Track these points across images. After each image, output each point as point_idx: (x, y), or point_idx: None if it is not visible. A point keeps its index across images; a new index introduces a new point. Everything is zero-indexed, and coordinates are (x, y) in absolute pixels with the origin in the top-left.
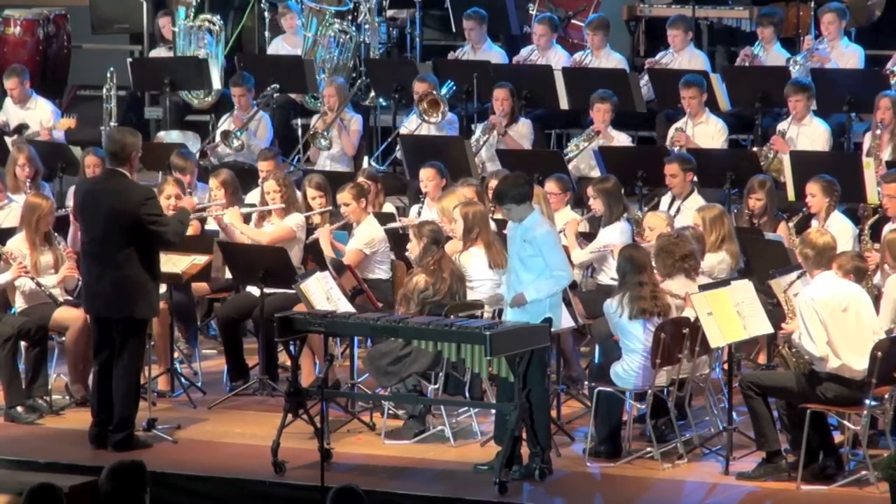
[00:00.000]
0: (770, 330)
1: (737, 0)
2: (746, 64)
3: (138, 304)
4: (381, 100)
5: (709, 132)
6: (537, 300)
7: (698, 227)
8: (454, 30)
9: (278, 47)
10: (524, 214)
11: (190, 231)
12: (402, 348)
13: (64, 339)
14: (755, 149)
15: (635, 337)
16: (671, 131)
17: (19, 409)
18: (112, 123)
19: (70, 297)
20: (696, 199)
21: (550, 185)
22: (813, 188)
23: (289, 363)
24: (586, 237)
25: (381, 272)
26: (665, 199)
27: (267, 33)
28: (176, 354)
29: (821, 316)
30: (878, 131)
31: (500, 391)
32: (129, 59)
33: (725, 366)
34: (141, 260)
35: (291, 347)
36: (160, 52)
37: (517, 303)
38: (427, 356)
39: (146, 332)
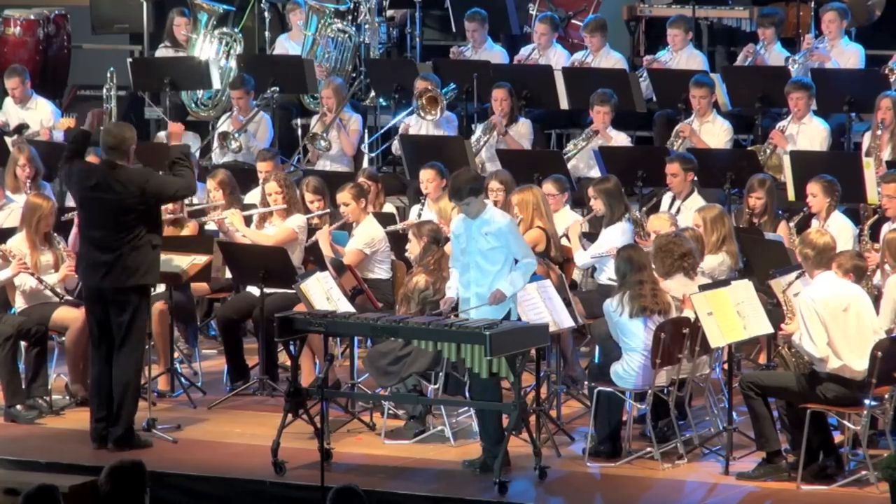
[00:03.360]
0: (770, 330)
1: (737, 0)
2: (749, 60)
3: (143, 272)
4: (381, 100)
5: (714, 131)
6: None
7: (698, 228)
8: (454, 30)
9: (284, 44)
10: (481, 208)
11: (189, 231)
12: (402, 348)
13: (64, 339)
14: (752, 147)
15: (635, 335)
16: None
17: (19, 406)
18: None
19: (70, 297)
20: (696, 200)
21: (548, 186)
22: (814, 188)
23: (289, 363)
24: (588, 237)
25: (381, 272)
26: (665, 199)
27: (267, 33)
28: (176, 354)
29: (821, 316)
30: (879, 131)
31: (478, 389)
32: (129, 59)
33: (725, 366)
34: (146, 239)
35: (291, 347)
36: (164, 52)
37: (497, 300)
38: (427, 356)
39: (145, 326)
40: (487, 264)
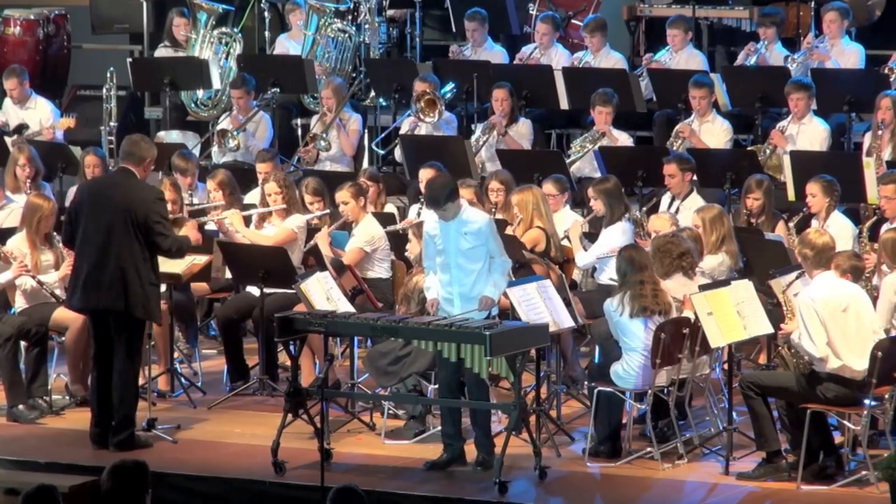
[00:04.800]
0: (770, 330)
1: (737, 0)
2: (752, 59)
3: (136, 302)
4: (381, 100)
5: (714, 131)
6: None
7: (697, 228)
8: (454, 30)
9: (285, 44)
10: (458, 209)
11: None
12: (402, 348)
13: (64, 339)
14: (752, 148)
15: (636, 335)
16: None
17: (20, 406)
18: (112, 123)
19: None
20: (696, 199)
21: (548, 186)
22: (813, 188)
23: (289, 363)
24: (588, 237)
25: (381, 271)
26: (665, 199)
27: (267, 33)
28: (176, 354)
29: (821, 316)
30: (879, 131)
31: (475, 390)
32: (129, 59)
33: (725, 366)
34: (143, 259)
35: (291, 347)
36: (164, 52)
37: (486, 306)
38: (427, 356)
39: (144, 330)
40: (468, 263)
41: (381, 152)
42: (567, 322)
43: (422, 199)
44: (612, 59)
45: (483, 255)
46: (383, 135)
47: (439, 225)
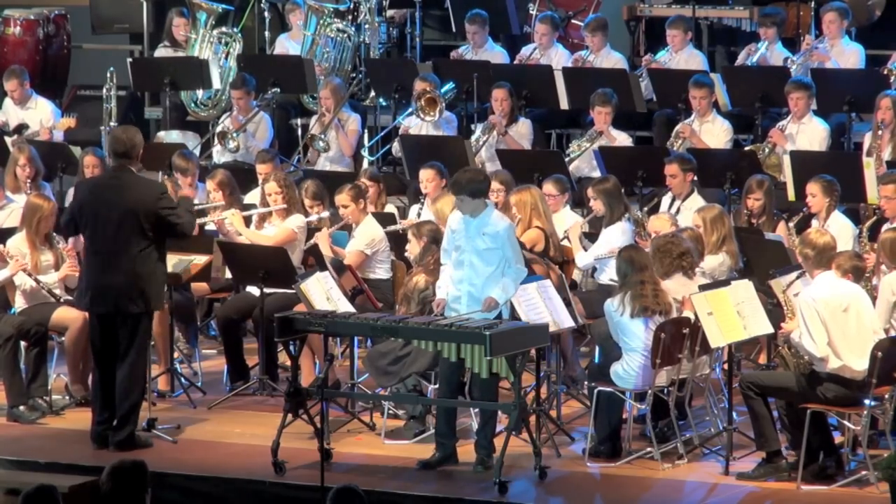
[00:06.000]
0: (770, 330)
1: (737, 0)
2: (753, 59)
3: (152, 296)
4: (381, 100)
5: (714, 131)
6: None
7: (698, 228)
8: (454, 30)
9: (285, 44)
10: (477, 209)
11: None
12: (402, 348)
13: (64, 339)
14: (752, 146)
15: (636, 336)
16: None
17: (21, 407)
18: (112, 123)
19: (70, 297)
20: (696, 200)
21: (548, 187)
22: (813, 188)
23: (289, 363)
24: (588, 237)
25: (381, 272)
26: (665, 200)
27: (267, 33)
28: (176, 354)
29: (821, 316)
30: (879, 131)
31: (484, 390)
32: (129, 59)
33: (725, 366)
34: (154, 255)
35: (291, 347)
36: (164, 52)
37: (490, 307)
38: (427, 356)
39: (151, 326)
40: (482, 264)
41: (370, 158)
42: (567, 322)
43: (422, 200)
44: (612, 59)
45: (497, 260)
46: (377, 138)
47: (462, 221)
